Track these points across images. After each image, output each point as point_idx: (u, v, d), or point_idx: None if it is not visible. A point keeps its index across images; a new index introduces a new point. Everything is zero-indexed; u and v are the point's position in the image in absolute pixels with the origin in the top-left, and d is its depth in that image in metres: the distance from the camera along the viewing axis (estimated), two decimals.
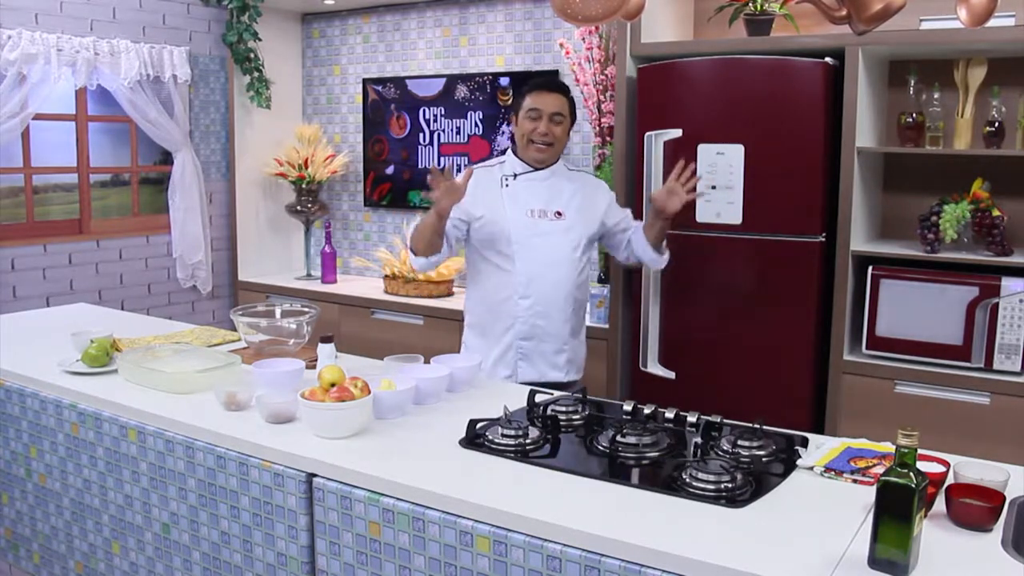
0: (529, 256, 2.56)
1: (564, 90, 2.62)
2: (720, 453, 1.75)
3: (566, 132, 2.62)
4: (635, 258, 2.73)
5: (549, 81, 2.67)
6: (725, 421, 1.87)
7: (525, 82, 4.14)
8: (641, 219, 2.85)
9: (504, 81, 4.15)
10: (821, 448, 1.77)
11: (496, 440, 1.80)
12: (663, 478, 1.63)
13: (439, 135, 4.40)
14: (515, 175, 2.61)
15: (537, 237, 2.56)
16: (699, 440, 1.81)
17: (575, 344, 2.67)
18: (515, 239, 2.56)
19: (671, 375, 3.21)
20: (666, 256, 2.71)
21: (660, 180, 3.16)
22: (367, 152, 4.67)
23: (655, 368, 3.24)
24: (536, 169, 2.61)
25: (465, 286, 2.80)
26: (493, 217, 2.57)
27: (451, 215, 2.53)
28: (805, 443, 1.82)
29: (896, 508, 1.27)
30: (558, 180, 2.63)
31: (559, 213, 2.59)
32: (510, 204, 2.58)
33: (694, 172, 2.57)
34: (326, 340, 2.22)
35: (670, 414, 1.93)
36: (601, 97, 3.57)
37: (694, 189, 2.56)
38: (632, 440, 1.78)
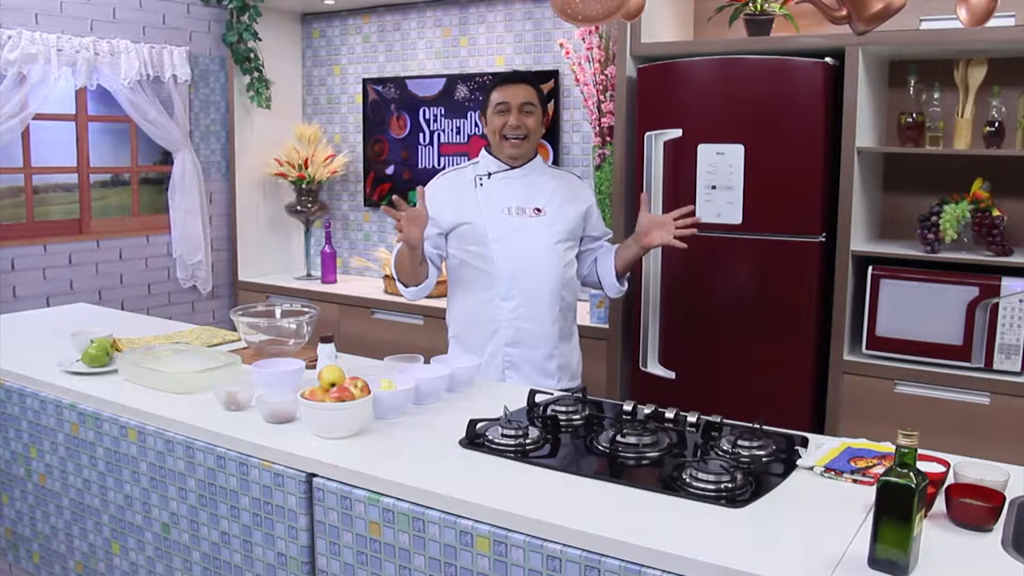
0: (509, 253, 2.46)
1: (530, 80, 2.52)
2: (720, 453, 1.75)
3: (539, 123, 2.50)
4: (593, 277, 2.65)
5: (513, 74, 2.57)
6: (725, 421, 1.87)
7: None
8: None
9: None
10: (821, 448, 1.77)
11: (496, 440, 1.80)
12: (663, 478, 1.62)
13: (439, 135, 4.40)
14: (489, 174, 2.52)
15: (516, 234, 2.46)
16: (699, 440, 1.81)
17: (566, 348, 2.57)
18: (492, 237, 2.46)
19: (671, 375, 3.21)
20: (623, 288, 2.62)
21: (660, 181, 3.16)
22: (367, 152, 4.67)
23: (655, 368, 3.24)
24: (512, 167, 2.51)
25: None
26: (468, 219, 2.48)
27: (427, 235, 2.46)
28: (805, 443, 1.81)
29: (896, 508, 1.27)
30: (537, 177, 2.53)
31: (538, 209, 2.49)
32: (485, 203, 2.49)
33: (695, 223, 2.44)
34: (326, 340, 2.22)
35: (670, 414, 1.92)
36: (601, 97, 3.57)
37: (684, 236, 2.43)
38: (632, 440, 1.77)
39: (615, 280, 2.59)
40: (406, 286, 2.51)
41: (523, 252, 2.46)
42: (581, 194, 2.61)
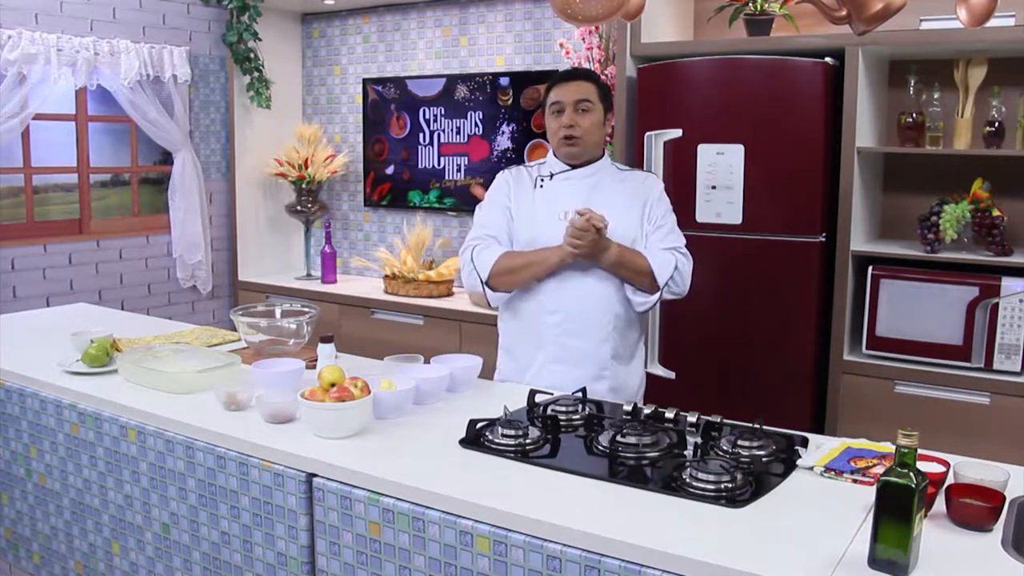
0: None
1: (589, 76, 2.34)
2: (720, 453, 1.75)
3: (599, 123, 2.31)
4: None
5: (570, 71, 2.40)
6: (725, 421, 1.87)
7: (524, 82, 4.15)
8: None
9: (504, 81, 4.15)
10: (821, 448, 1.77)
11: (496, 440, 1.80)
12: (663, 478, 1.62)
13: (439, 135, 4.40)
14: (551, 175, 2.35)
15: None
16: (699, 440, 1.81)
17: (620, 370, 2.35)
18: (543, 244, 2.28)
19: (671, 375, 3.21)
20: (641, 301, 2.31)
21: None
22: (367, 152, 4.67)
23: (655, 368, 3.24)
24: (574, 167, 2.35)
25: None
26: (522, 220, 2.33)
27: (504, 231, 2.34)
28: (805, 443, 1.81)
29: (896, 508, 1.26)
30: (602, 179, 2.34)
31: None
32: (542, 206, 2.33)
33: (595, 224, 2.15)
34: (326, 340, 2.22)
35: (670, 414, 1.92)
36: None
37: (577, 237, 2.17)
38: (632, 440, 1.77)
39: (629, 286, 2.30)
40: (496, 291, 2.33)
41: (574, 264, 2.26)
42: (643, 192, 2.35)
